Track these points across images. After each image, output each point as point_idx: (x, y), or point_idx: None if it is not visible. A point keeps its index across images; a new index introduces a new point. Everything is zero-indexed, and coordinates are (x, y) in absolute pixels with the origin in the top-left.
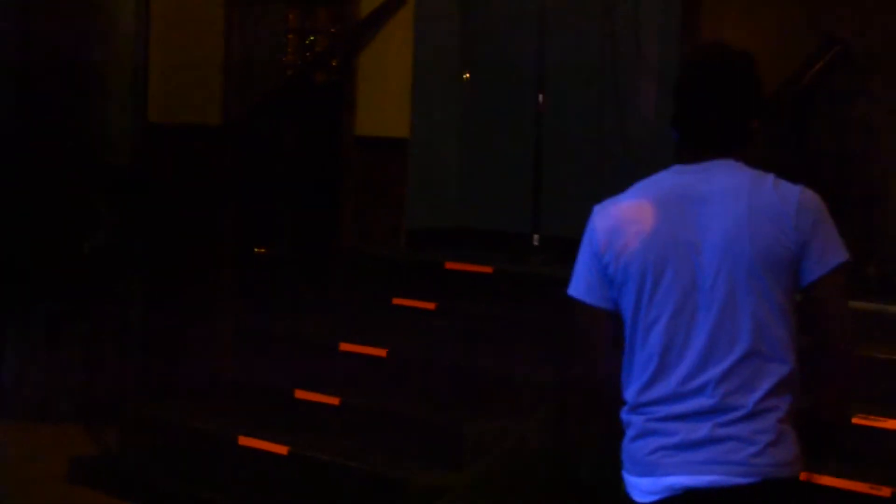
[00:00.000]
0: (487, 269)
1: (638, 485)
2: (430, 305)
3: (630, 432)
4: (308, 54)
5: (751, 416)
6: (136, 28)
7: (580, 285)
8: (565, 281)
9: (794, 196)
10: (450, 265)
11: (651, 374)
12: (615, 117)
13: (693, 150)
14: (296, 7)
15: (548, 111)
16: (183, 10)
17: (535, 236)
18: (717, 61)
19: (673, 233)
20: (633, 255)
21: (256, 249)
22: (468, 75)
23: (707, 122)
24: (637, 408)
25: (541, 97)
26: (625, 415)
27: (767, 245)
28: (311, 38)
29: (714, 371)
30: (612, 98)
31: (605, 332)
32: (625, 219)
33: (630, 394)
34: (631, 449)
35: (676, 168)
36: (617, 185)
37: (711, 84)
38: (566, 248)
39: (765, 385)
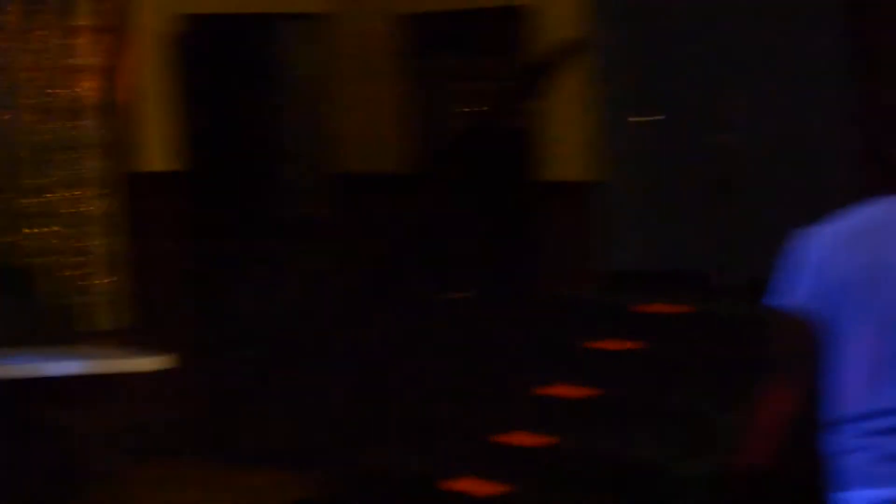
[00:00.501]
0: (690, 310)
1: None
2: (637, 345)
3: (837, 449)
4: (486, 103)
5: None
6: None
7: (788, 295)
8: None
9: None
10: (652, 307)
11: (851, 392)
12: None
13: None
14: (461, 57)
15: (730, 153)
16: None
17: (725, 275)
18: None
19: (870, 257)
20: (826, 277)
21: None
22: (661, 116)
23: None
24: (842, 424)
25: (722, 138)
26: (833, 432)
27: None
28: (486, 86)
29: None
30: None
31: (813, 345)
32: (823, 244)
33: (841, 409)
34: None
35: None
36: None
37: None
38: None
39: None
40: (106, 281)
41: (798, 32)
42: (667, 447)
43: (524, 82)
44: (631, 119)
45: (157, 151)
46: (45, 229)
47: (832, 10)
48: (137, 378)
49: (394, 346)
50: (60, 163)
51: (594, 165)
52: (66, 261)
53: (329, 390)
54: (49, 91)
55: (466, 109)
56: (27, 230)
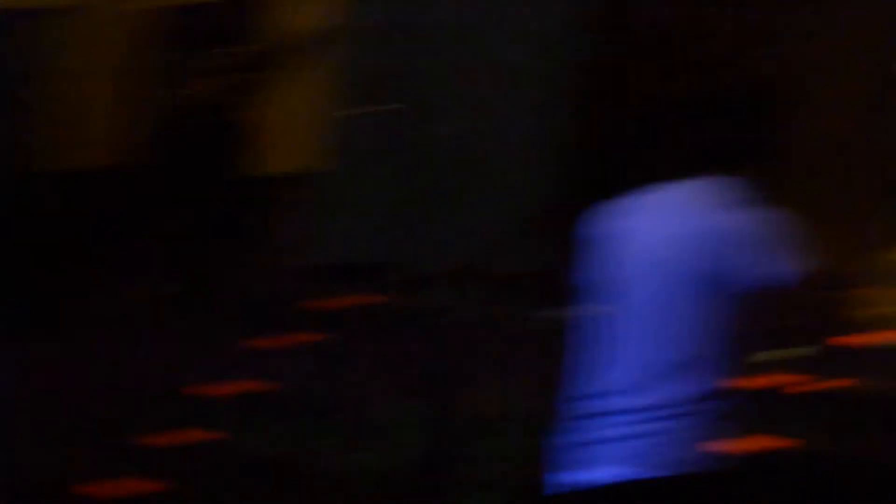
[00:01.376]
0: (373, 301)
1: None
2: (312, 339)
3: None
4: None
5: (678, 415)
6: None
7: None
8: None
9: (744, 216)
10: (332, 301)
11: (603, 368)
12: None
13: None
14: (201, 49)
15: (442, 144)
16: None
17: (421, 266)
18: None
19: (646, 240)
20: (616, 257)
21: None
22: (380, 108)
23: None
24: (594, 398)
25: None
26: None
27: (704, 258)
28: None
29: (645, 372)
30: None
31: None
32: (615, 222)
33: (591, 385)
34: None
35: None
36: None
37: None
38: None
39: (689, 390)
40: None
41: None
42: (328, 441)
43: (248, 74)
44: (351, 111)
45: None
46: None
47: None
48: None
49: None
50: None
51: (314, 158)
52: None
53: None
54: None
55: (192, 103)
56: None
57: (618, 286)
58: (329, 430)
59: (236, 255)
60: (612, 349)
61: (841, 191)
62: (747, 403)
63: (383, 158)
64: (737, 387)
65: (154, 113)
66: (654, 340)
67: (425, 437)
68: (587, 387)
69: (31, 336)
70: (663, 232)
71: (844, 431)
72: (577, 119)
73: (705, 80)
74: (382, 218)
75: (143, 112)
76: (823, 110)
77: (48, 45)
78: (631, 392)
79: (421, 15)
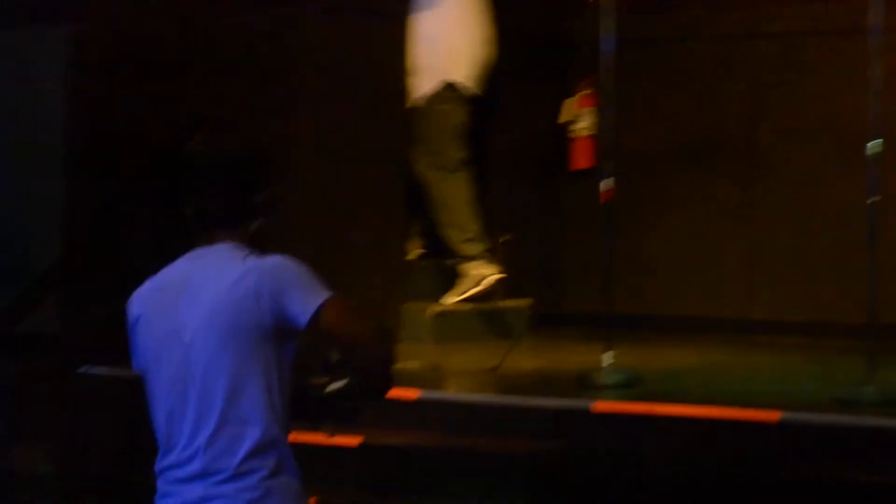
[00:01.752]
0: None
1: None
2: None
3: (156, 495)
4: None
5: (234, 477)
6: None
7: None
8: None
9: (265, 266)
10: None
11: (164, 444)
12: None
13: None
14: None
15: None
16: None
17: None
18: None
19: (169, 317)
20: (143, 337)
21: None
22: None
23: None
24: (159, 473)
25: None
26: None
27: (238, 316)
28: None
29: (201, 439)
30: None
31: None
32: (142, 303)
33: (156, 461)
34: None
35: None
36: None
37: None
38: None
39: (244, 448)
40: None
41: None
42: None
43: None
44: None
45: None
46: None
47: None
48: None
49: None
50: None
51: None
52: None
53: None
54: None
55: None
56: None
57: (158, 363)
58: None
59: None
60: (170, 417)
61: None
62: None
63: None
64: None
65: None
66: (207, 405)
67: None
68: (159, 453)
69: None
70: (206, 300)
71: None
72: (73, 179)
73: (207, 144)
74: None
75: None
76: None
77: None
78: (195, 457)
79: None
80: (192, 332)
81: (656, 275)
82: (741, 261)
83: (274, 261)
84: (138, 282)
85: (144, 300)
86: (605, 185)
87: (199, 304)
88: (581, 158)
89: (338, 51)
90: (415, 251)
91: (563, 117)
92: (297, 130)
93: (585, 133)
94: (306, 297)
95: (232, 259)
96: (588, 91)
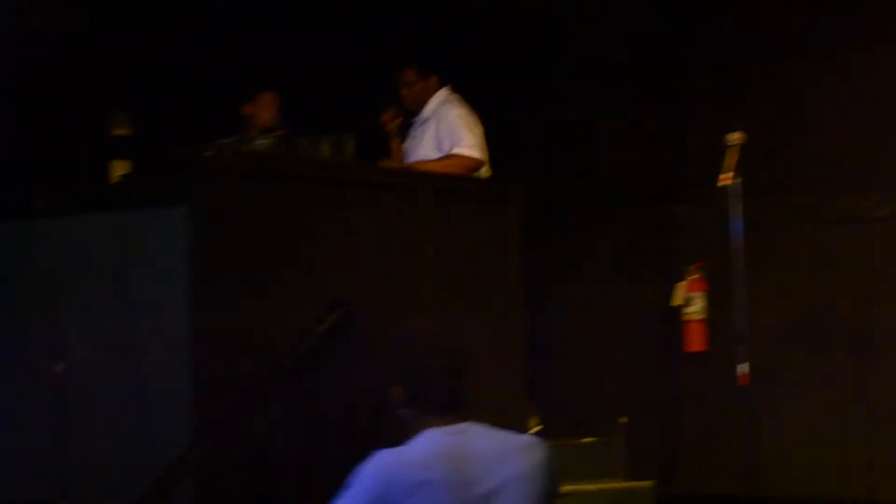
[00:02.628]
0: None
1: None
2: None
3: None
4: None
5: None
6: None
7: None
8: None
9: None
10: None
11: None
12: (135, 401)
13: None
14: None
15: (69, 380)
16: None
17: None
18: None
19: (460, 484)
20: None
21: None
22: None
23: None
24: None
25: (59, 369)
26: None
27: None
28: None
29: None
30: (133, 380)
31: None
32: (410, 470)
33: None
34: None
35: (436, 431)
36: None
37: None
38: None
39: None
40: None
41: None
42: None
43: None
44: None
45: None
46: None
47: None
48: None
49: None
50: None
51: None
52: None
53: None
54: None
55: None
56: None
57: None
58: None
59: None
60: None
61: None
62: None
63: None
64: None
65: None
66: None
67: None
68: None
69: None
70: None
71: None
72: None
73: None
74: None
75: None
76: None
77: None
78: None
79: None
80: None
81: (777, 455)
82: (861, 441)
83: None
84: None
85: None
86: (741, 369)
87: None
88: (695, 341)
89: None
90: (534, 426)
91: (676, 300)
92: None
93: (697, 317)
94: None
95: (498, 434)
96: (698, 275)
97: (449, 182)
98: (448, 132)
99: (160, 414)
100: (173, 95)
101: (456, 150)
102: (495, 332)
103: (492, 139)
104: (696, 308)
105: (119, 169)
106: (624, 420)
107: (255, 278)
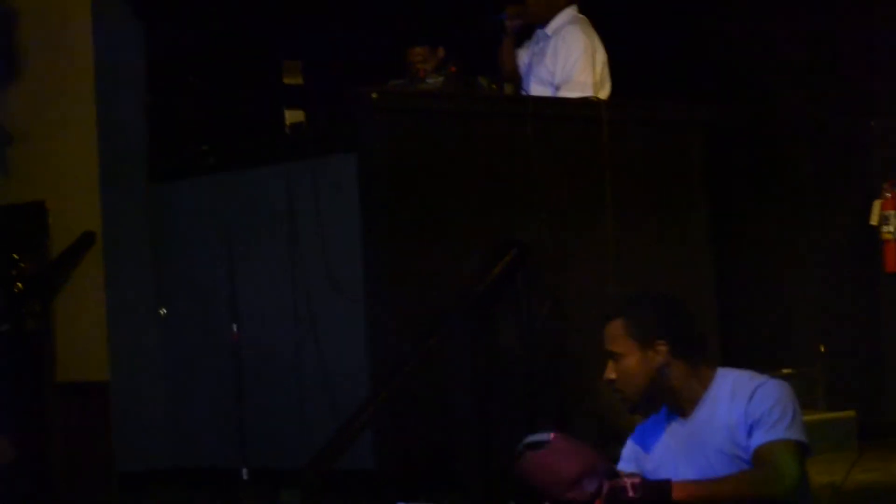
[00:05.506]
0: None
1: None
2: None
3: None
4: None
5: None
6: None
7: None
8: None
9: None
10: None
11: None
12: (313, 350)
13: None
14: None
15: (244, 344)
16: None
17: (245, 470)
18: None
19: None
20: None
21: None
22: (164, 311)
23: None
24: None
25: (235, 328)
26: None
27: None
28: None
29: None
30: (308, 330)
31: None
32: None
33: None
34: None
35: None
36: (317, 419)
37: None
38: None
39: None
40: None
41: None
42: None
43: (33, 282)
44: (146, 314)
45: None
46: None
47: None
48: None
49: None
50: None
51: (111, 364)
52: None
53: None
54: None
55: None
56: None
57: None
58: None
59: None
60: None
61: None
62: None
63: (186, 360)
64: None
65: None
66: None
67: None
68: None
69: None
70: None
71: None
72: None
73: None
74: (208, 420)
75: None
76: None
77: None
78: None
79: None
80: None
81: None
82: None
83: None
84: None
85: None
86: None
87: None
88: (893, 261)
89: None
90: None
91: (874, 219)
92: None
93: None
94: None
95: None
96: (893, 192)
97: (629, 108)
98: (563, 63)
99: (337, 367)
100: (341, 40)
101: (564, 90)
102: (683, 270)
103: (651, 61)
104: (892, 227)
105: (293, 118)
106: (822, 348)
107: (428, 222)
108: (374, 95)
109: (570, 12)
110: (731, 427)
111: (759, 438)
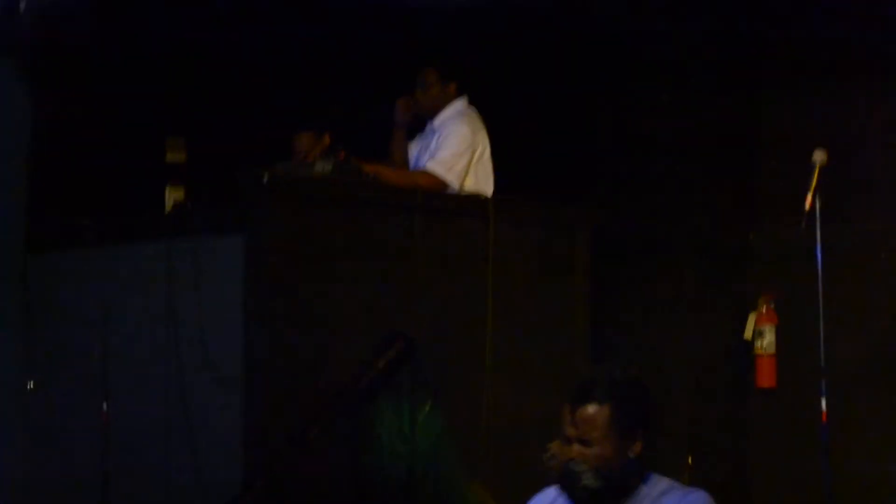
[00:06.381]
0: None
1: None
2: None
3: None
4: None
5: None
6: None
7: None
8: None
9: None
10: None
11: None
12: (184, 435)
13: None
14: None
15: (114, 424)
16: None
17: None
18: None
19: None
20: None
21: None
22: (32, 384)
23: None
24: None
25: (105, 406)
26: None
27: None
28: None
29: None
30: (179, 407)
31: None
32: None
33: None
34: None
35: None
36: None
37: None
38: None
39: None
40: None
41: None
42: None
43: None
44: (13, 388)
45: None
46: None
47: None
48: None
49: None
50: None
51: None
52: None
53: None
54: None
55: None
56: None
57: None
58: None
59: None
60: None
61: None
62: None
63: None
64: None
65: None
66: None
67: None
68: None
69: None
70: None
71: None
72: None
73: None
74: None
75: None
76: None
77: None
78: None
79: None
80: None
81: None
82: None
83: None
84: None
85: None
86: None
87: None
88: (764, 376)
89: None
90: None
91: (748, 333)
92: None
93: (767, 350)
94: None
95: None
96: (768, 306)
97: (516, 207)
98: (438, 145)
99: (209, 455)
100: (226, 120)
101: (429, 166)
102: (561, 371)
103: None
104: (765, 342)
105: (174, 195)
106: (690, 460)
107: (313, 309)
108: (265, 177)
109: (458, 105)
110: None
111: None
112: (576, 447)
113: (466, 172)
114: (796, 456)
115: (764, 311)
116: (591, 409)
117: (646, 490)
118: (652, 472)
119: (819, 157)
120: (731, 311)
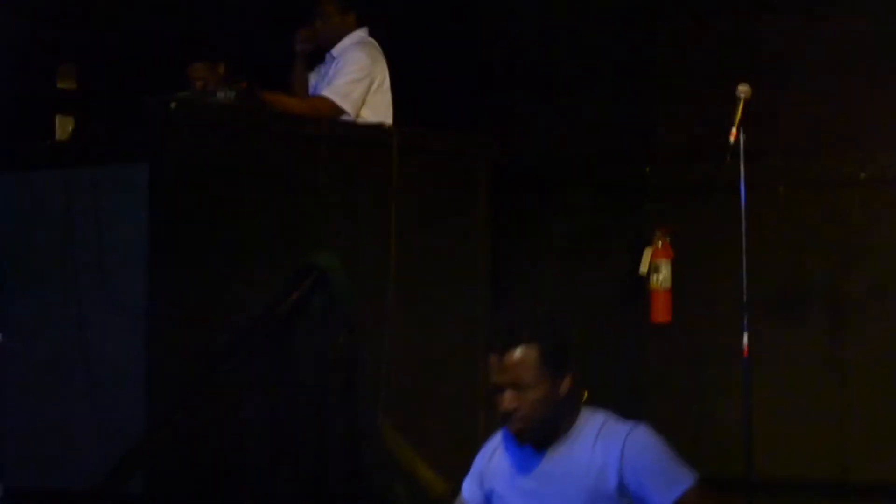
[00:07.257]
0: None
1: None
2: None
3: None
4: None
5: None
6: None
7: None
8: None
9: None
10: None
11: None
12: (83, 367)
13: None
14: None
15: (8, 356)
16: None
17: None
18: None
19: None
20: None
21: None
22: None
23: None
24: None
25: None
26: None
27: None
28: None
29: None
30: (78, 345)
31: None
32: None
33: None
34: None
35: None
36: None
37: None
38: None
39: None
40: None
41: None
42: None
43: None
44: None
45: None
46: None
47: None
48: None
49: None
50: None
51: None
52: None
53: None
54: None
55: None
56: None
57: None
58: None
59: None
60: None
61: None
62: None
63: None
64: None
65: None
66: None
67: None
68: None
69: None
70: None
71: None
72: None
73: None
74: None
75: None
76: None
77: None
78: None
79: None
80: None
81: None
82: (833, 418)
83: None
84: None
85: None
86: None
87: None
88: (660, 311)
89: None
90: None
91: (643, 268)
92: None
93: (663, 285)
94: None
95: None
96: (664, 241)
97: (418, 137)
98: (335, 73)
99: (111, 395)
100: (120, 46)
101: (325, 93)
102: (460, 302)
103: (444, 94)
104: (660, 276)
105: (65, 124)
106: (585, 394)
107: (222, 240)
108: (173, 104)
109: (358, 34)
110: (596, 469)
111: (669, 495)
112: (508, 394)
113: (363, 101)
114: (694, 390)
115: (660, 245)
116: (519, 351)
117: (582, 424)
118: (583, 406)
119: (743, 90)
120: (627, 246)
